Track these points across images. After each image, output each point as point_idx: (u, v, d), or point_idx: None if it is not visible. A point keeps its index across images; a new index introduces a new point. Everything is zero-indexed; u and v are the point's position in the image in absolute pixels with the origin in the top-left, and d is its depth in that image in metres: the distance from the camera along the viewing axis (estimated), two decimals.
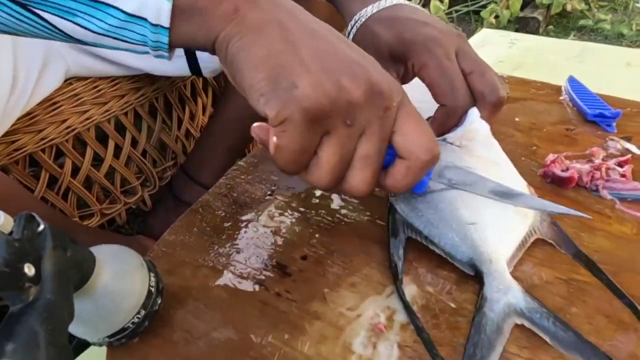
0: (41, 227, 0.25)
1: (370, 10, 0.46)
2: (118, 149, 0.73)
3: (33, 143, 0.62)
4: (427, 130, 0.31)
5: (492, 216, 0.37)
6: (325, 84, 0.27)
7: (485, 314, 0.32)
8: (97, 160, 0.71)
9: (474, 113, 0.43)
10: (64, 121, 0.64)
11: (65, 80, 0.64)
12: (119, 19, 0.27)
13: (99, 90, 0.67)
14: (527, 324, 0.31)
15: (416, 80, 0.45)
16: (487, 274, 0.34)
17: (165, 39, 0.28)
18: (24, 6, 0.27)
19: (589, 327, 0.31)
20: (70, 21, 0.27)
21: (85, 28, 0.27)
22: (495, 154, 0.43)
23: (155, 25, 0.27)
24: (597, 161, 0.46)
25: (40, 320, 0.22)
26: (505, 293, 0.33)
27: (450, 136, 0.43)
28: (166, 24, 0.27)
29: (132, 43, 0.28)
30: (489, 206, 0.37)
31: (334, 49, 0.29)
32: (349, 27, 0.48)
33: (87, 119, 0.67)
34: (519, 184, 0.41)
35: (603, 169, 0.44)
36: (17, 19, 0.27)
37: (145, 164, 0.78)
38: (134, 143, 0.75)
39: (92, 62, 0.64)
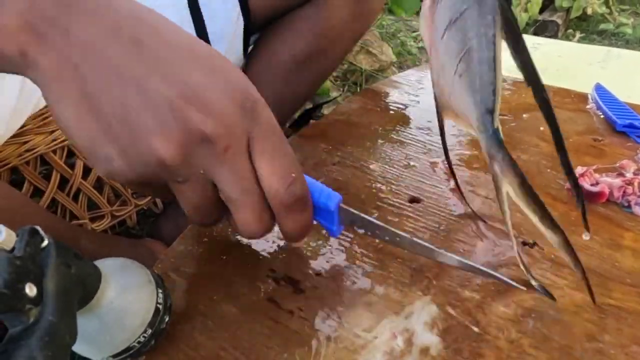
0: (45, 242, 0.23)
1: None
2: None
3: (45, 144, 0.61)
4: (282, 166, 0.26)
5: None
6: (132, 153, 0.24)
7: None
8: None
9: None
10: None
11: None
12: None
13: None
14: None
15: None
16: None
17: None
18: None
19: (625, 358, 0.29)
20: None
21: None
22: None
23: None
24: (629, 175, 0.43)
25: (40, 345, 0.20)
26: None
27: None
28: None
29: None
30: None
31: (142, 92, 0.23)
32: None
33: None
34: None
35: (635, 184, 0.42)
36: None
37: None
38: None
39: None
